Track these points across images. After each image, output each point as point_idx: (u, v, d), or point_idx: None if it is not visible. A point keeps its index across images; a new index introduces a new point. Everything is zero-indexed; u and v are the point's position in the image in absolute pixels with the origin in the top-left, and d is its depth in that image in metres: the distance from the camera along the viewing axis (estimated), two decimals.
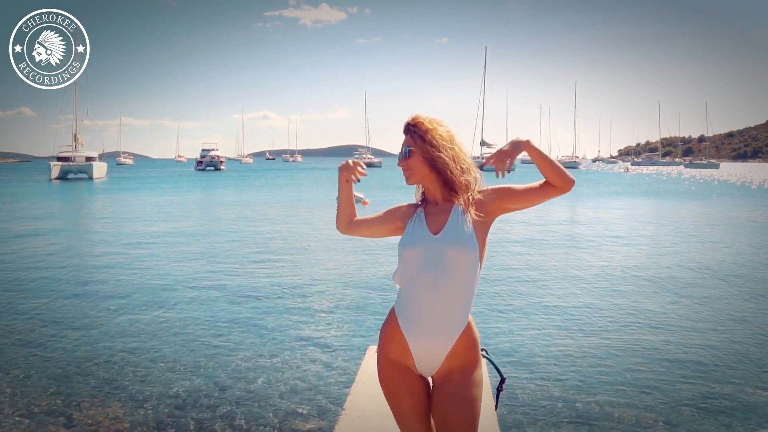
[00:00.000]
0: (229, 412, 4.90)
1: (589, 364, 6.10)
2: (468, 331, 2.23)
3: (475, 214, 2.25)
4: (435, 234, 2.22)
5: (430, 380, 2.33)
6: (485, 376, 3.97)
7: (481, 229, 2.26)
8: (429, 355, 2.21)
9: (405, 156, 2.32)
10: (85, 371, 5.83)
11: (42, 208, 25.81)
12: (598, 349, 6.54)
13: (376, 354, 2.36)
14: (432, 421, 2.29)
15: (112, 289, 9.50)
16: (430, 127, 2.29)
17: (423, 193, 2.40)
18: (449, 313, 2.18)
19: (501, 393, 3.96)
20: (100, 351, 6.42)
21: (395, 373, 2.26)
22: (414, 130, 2.29)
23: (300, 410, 4.94)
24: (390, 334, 2.26)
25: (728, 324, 7.55)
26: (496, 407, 3.73)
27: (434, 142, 2.27)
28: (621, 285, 9.92)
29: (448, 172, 2.29)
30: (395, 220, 2.40)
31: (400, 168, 2.35)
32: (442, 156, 2.27)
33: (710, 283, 10.14)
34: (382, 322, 2.33)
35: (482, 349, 4.32)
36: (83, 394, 5.26)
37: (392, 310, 2.30)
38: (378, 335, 2.35)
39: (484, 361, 4.15)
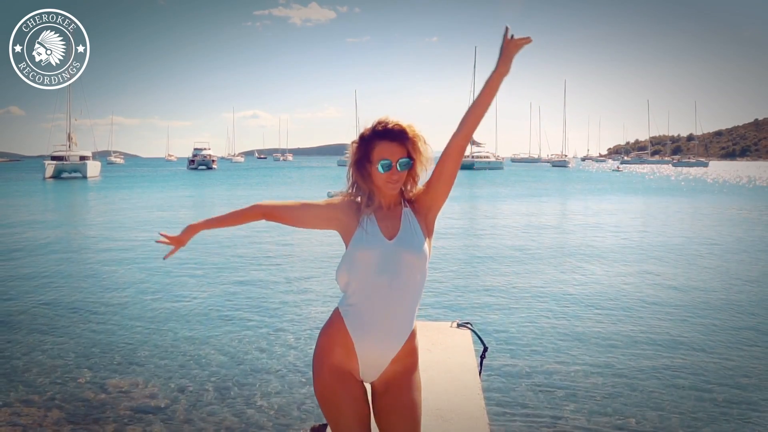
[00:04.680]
0: (240, 382, 5.53)
1: (565, 338, 6.79)
2: (413, 335, 2.21)
3: (421, 214, 2.25)
4: (390, 239, 2.15)
5: (368, 387, 2.27)
6: (468, 346, 4.61)
7: (427, 229, 2.25)
8: (376, 359, 2.16)
9: (404, 168, 2.18)
10: (107, 350, 6.45)
11: (43, 207, 26.28)
12: (575, 326, 7.23)
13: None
14: (377, 428, 2.26)
15: (121, 281, 10.09)
16: (423, 138, 2.19)
17: (368, 196, 2.21)
18: (402, 317, 2.15)
19: (484, 360, 4.66)
20: (118, 334, 7.03)
21: (337, 378, 2.16)
22: (413, 141, 2.16)
23: (303, 379, 5.57)
24: (334, 338, 2.18)
25: (697, 309, 8.25)
26: (480, 373, 4.39)
27: (429, 155, 2.21)
28: (604, 272, 10.63)
29: (417, 182, 2.28)
30: (338, 212, 2.23)
31: (377, 175, 2.17)
32: (426, 169, 2.24)
33: (693, 271, 10.87)
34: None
35: (466, 322, 5.02)
36: (108, 368, 5.90)
37: (336, 313, 2.21)
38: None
39: (468, 333, 4.81)
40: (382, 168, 2.14)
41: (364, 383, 2.24)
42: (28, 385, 5.43)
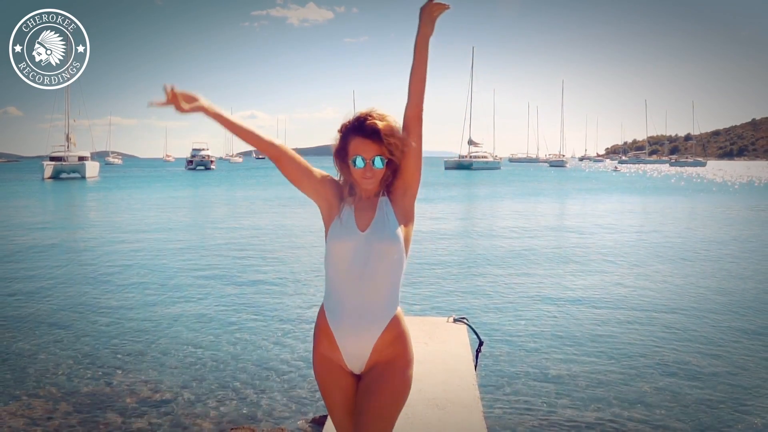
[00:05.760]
0: (246, 375, 5.68)
1: (560, 333, 6.94)
2: (394, 324, 2.18)
3: (398, 202, 2.24)
4: (363, 231, 2.16)
5: None
6: (463, 339, 4.75)
7: (405, 214, 2.24)
8: (355, 350, 2.17)
9: (380, 166, 2.15)
10: (114, 347, 6.60)
11: (43, 208, 26.40)
12: (570, 322, 7.39)
13: None
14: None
15: (125, 281, 10.23)
16: (400, 134, 2.16)
17: (350, 186, 2.25)
18: (376, 306, 2.15)
19: (480, 354, 4.81)
20: (124, 332, 7.18)
21: (326, 368, 2.23)
22: (389, 143, 2.12)
23: (308, 372, 5.72)
24: (321, 328, 2.23)
25: (693, 305, 8.42)
26: (476, 367, 4.53)
27: (405, 149, 2.18)
28: (600, 270, 10.79)
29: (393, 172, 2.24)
30: (327, 191, 2.26)
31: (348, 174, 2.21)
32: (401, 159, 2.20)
33: (688, 268, 11.04)
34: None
35: (462, 317, 5.15)
36: (115, 363, 6.05)
37: (322, 306, 2.26)
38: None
39: (464, 328, 4.95)
40: (356, 164, 2.14)
41: (355, 373, 2.25)
42: (37, 380, 5.58)
